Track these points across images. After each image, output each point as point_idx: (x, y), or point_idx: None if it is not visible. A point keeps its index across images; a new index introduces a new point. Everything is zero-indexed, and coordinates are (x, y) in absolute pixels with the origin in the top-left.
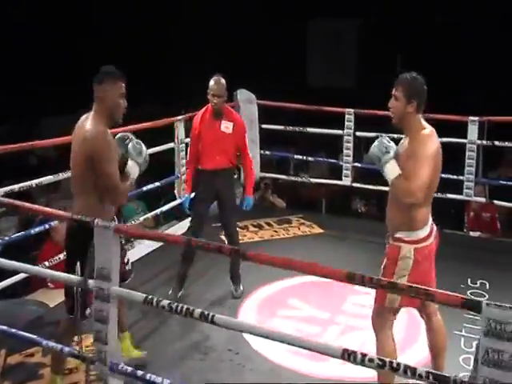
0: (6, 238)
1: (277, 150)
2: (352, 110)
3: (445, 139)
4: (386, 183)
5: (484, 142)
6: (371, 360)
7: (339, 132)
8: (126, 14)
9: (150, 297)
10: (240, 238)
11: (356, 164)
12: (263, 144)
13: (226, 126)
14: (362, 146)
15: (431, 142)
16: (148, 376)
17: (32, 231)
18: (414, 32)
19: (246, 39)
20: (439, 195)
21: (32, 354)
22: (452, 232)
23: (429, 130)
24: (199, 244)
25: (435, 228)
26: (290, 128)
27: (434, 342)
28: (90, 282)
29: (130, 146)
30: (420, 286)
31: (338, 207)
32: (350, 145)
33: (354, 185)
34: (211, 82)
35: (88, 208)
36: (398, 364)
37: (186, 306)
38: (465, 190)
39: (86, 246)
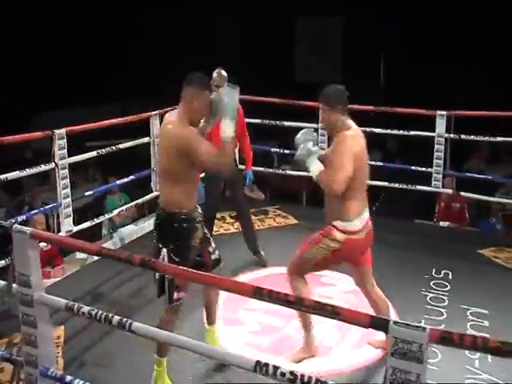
0: None
1: (260, 144)
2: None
3: (413, 132)
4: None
5: (451, 135)
6: (283, 374)
7: (314, 125)
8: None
9: (70, 303)
10: (216, 229)
11: None
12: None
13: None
14: None
15: (353, 141)
16: (76, 382)
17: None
18: (397, 29)
19: (237, 36)
20: (409, 187)
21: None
22: (422, 222)
23: (353, 131)
24: (109, 253)
25: (370, 226)
26: (267, 121)
27: (377, 311)
28: (14, 286)
29: (213, 104)
30: (328, 303)
31: (318, 199)
32: (325, 138)
33: None
34: (214, 75)
35: (171, 198)
36: (310, 377)
37: (104, 314)
38: (433, 182)
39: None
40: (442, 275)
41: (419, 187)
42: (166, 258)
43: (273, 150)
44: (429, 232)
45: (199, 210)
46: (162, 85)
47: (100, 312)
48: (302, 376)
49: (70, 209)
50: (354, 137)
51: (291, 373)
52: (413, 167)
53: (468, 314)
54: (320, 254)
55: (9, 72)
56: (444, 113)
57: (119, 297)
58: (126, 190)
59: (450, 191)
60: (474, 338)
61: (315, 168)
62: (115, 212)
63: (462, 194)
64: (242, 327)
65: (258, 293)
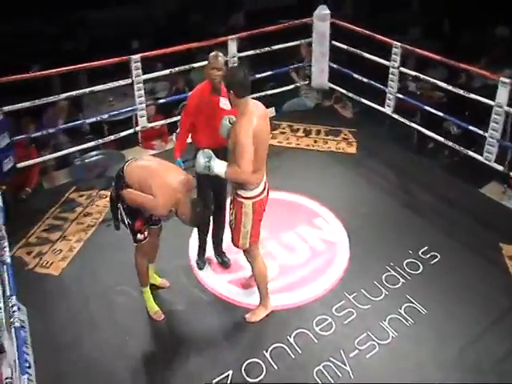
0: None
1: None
2: (399, 44)
3: (473, 96)
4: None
5: None
6: None
7: (387, 63)
8: None
9: None
10: (280, 140)
11: (399, 95)
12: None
13: (225, 103)
14: None
15: (250, 125)
16: None
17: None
18: None
19: None
20: (461, 150)
21: (82, 195)
22: (482, 192)
23: (248, 114)
24: None
25: (267, 184)
26: (352, 49)
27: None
28: None
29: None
30: None
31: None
32: (395, 77)
33: (394, 116)
34: (211, 58)
35: None
36: None
37: None
38: (485, 154)
39: None
40: (426, 257)
41: (471, 153)
42: None
43: (354, 75)
44: (469, 206)
45: None
46: None
47: None
48: None
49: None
50: (249, 119)
51: None
52: (471, 127)
53: (403, 307)
54: (248, 224)
55: None
56: (508, 81)
57: None
58: None
59: (500, 168)
60: None
61: (221, 168)
62: None
63: None
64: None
65: None
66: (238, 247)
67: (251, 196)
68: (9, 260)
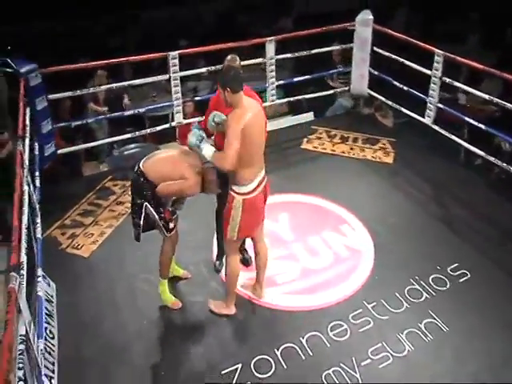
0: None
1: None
2: (441, 52)
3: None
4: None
5: None
6: None
7: (428, 72)
8: None
9: None
10: (316, 145)
11: (439, 105)
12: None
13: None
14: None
15: (241, 118)
16: None
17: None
18: None
19: None
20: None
21: (116, 184)
22: None
23: (242, 108)
24: None
25: (264, 183)
26: (393, 57)
27: (258, 261)
28: None
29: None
30: None
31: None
32: (436, 87)
33: (434, 127)
34: (228, 61)
35: None
36: None
37: None
38: None
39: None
40: (455, 274)
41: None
42: None
43: (394, 82)
44: (509, 226)
45: None
46: None
47: None
48: None
49: (180, 108)
50: (241, 115)
51: None
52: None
53: (424, 322)
54: (237, 217)
55: None
56: None
57: None
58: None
59: None
60: None
61: (208, 151)
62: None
63: None
64: None
65: None
66: (226, 237)
67: (242, 192)
68: (39, 235)
